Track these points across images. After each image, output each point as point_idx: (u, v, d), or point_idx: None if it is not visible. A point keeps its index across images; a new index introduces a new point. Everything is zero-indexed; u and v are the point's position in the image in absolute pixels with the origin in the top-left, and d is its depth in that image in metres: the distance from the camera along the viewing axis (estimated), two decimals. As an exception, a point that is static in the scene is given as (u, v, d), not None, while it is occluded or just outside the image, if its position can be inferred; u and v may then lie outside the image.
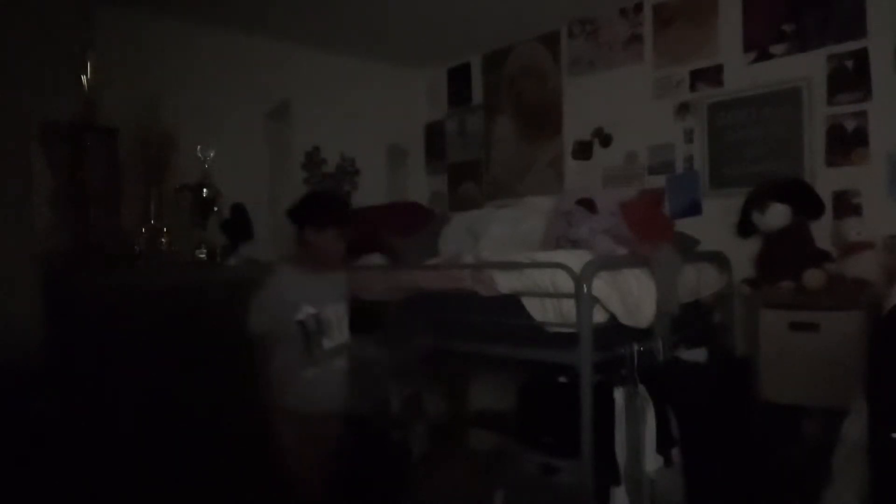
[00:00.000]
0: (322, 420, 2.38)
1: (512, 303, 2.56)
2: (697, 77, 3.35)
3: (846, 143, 2.90)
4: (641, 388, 2.44)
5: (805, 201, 2.89)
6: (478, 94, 4.44)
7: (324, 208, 2.47)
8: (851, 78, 2.87)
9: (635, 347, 2.45)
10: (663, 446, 2.44)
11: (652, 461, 2.42)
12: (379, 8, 3.51)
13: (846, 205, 2.89)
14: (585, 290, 2.31)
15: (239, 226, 3.32)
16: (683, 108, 3.41)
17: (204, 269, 2.81)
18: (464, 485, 2.71)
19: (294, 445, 2.28)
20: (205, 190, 2.89)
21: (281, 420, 2.28)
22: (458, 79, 4.55)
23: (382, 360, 2.96)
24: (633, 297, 2.47)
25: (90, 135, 2.66)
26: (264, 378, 2.28)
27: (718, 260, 3.07)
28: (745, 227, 3.04)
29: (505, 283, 2.59)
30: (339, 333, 2.44)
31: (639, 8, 3.58)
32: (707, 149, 3.33)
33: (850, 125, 2.89)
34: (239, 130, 3.67)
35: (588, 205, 2.84)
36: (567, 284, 2.36)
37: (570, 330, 2.37)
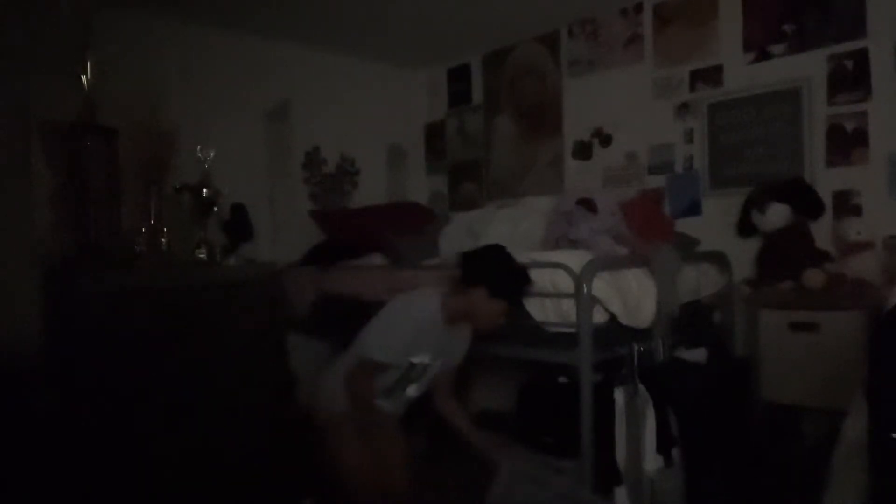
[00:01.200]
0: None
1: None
2: (697, 77, 3.35)
3: (846, 144, 2.90)
4: (641, 388, 2.44)
5: (805, 201, 2.89)
6: (478, 94, 4.43)
7: (509, 280, 2.33)
8: (851, 78, 2.87)
9: (635, 347, 2.45)
10: (663, 446, 2.45)
11: (652, 461, 2.43)
12: (379, 8, 3.51)
13: (846, 205, 2.89)
14: (585, 290, 2.31)
15: (239, 226, 3.33)
16: (683, 108, 3.41)
17: (204, 269, 2.81)
18: (464, 484, 2.71)
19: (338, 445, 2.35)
20: (205, 190, 2.88)
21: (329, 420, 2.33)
22: (458, 79, 4.55)
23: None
24: (633, 297, 2.47)
25: (90, 135, 2.65)
26: (359, 392, 2.27)
27: (718, 260, 3.07)
28: (745, 227, 3.05)
29: (505, 283, 2.59)
30: (424, 386, 2.44)
31: (639, 8, 3.58)
32: (707, 149, 3.33)
33: (850, 125, 2.89)
34: (239, 130, 3.67)
35: (588, 205, 2.84)
36: (567, 284, 2.36)
37: (570, 330, 2.37)
